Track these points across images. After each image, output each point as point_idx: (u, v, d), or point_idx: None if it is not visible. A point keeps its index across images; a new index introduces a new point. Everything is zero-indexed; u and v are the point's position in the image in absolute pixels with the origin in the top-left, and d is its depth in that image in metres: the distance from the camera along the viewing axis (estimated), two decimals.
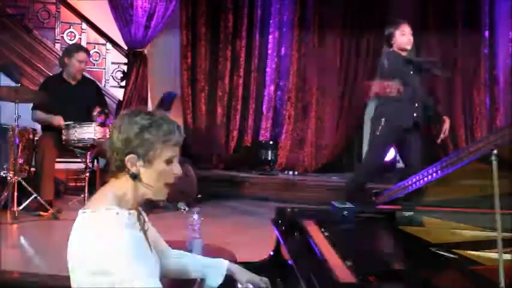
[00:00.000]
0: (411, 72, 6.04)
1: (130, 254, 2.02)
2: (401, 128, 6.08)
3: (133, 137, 2.15)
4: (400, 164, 9.29)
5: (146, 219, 2.34)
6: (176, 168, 2.25)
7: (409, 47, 6.11)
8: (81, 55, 6.97)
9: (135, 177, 2.18)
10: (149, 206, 2.12)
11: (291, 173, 9.38)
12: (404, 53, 6.10)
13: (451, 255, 2.32)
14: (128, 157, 2.16)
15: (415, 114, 6.06)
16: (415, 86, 6.03)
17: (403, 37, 6.08)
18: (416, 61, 6.13)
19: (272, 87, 9.79)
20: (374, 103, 6.47)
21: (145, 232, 2.26)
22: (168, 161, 2.21)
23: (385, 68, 6.08)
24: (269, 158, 9.33)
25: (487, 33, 9.26)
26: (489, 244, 2.46)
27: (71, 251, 2.10)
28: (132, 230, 2.10)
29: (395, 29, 6.10)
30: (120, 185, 2.20)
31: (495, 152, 1.91)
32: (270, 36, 9.76)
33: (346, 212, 2.84)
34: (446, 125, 6.15)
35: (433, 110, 6.32)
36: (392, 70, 6.03)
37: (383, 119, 6.13)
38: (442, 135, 6.20)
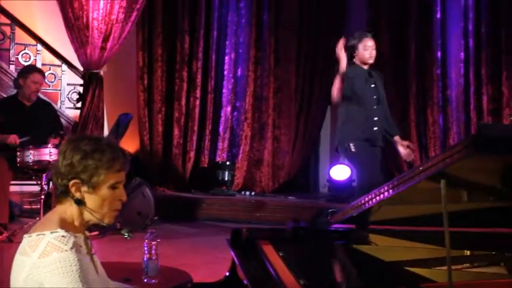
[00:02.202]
0: (372, 86, 6.07)
1: (76, 277, 2.02)
2: (369, 145, 6.05)
3: (76, 163, 2.16)
4: (356, 183, 9.42)
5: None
6: (121, 194, 2.26)
7: (371, 61, 6.11)
8: (36, 76, 6.92)
9: (79, 202, 2.19)
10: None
11: (248, 193, 9.40)
12: (366, 67, 6.10)
13: (404, 273, 2.36)
14: (71, 182, 2.17)
15: (375, 128, 6.03)
16: (374, 99, 6.05)
17: (366, 51, 6.07)
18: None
19: (229, 108, 9.82)
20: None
21: (91, 256, 2.26)
22: (113, 187, 2.22)
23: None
24: (226, 179, 9.33)
25: (439, 54, 9.45)
26: (441, 261, 2.51)
27: (14, 274, 2.10)
28: (78, 253, 2.09)
29: (359, 42, 6.08)
30: (65, 210, 2.21)
31: (444, 171, 1.96)
32: (226, 57, 9.82)
33: (301, 232, 2.86)
34: (402, 149, 6.14)
35: (389, 127, 6.24)
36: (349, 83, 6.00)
37: (351, 143, 6.06)
38: (406, 159, 6.28)
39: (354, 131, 6.03)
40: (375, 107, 6.05)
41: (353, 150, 6.08)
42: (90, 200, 2.20)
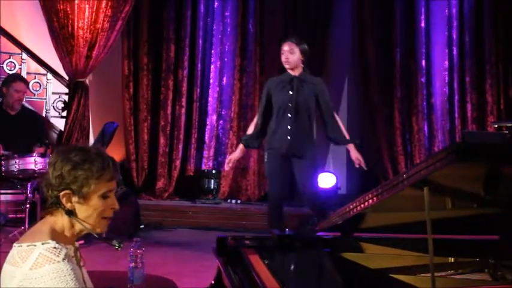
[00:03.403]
0: (290, 92, 5.87)
1: (72, 287, 2.01)
2: (279, 154, 5.87)
3: (66, 174, 2.16)
4: (342, 191, 9.45)
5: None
6: (113, 202, 2.26)
7: (286, 66, 5.94)
8: (19, 85, 6.90)
9: (70, 213, 2.19)
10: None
11: (234, 201, 9.39)
12: (293, 72, 5.93)
13: (389, 280, 2.37)
14: (62, 193, 2.17)
15: (288, 138, 5.82)
16: (289, 106, 5.85)
17: (282, 56, 5.94)
18: None
19: (214, 117, 9.82)
20: None
21: (81, 268, 2.26)
22: (104, 196, 2.22)
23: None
24: (212, 187, 9.31)
25: (423, 62, 9.51)
26: (425, 268, 2.53)
27: (3, 284, 2.09)
28: (70, 263, 2.09)
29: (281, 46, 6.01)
30: (56, 221, 2.20)
31: (427, 178, 1.97)
32: (212, 66, 9.82)
33: (287, 240, 2.87)
34: (353, 154, 6.01)
35: (337, 132, 6.02)
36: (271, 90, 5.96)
37: (265, 152, 6.05)
38: (356, 165, 6.07)
39: (268, 139, 5.99)
40: (289, 115, 5.84)
41: (265, 160, 6.10)
42: (82, 210, 2.20)
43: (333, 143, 6.26)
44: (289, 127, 5.81)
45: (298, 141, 5.83)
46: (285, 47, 5.91)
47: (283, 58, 5.92)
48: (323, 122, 6.06)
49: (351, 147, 6.06)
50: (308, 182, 5.93)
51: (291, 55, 5.88)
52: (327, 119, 6.01)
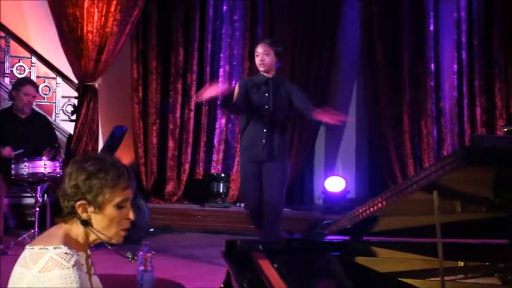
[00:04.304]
0: (266, 95, 5.70)
1: None
2: (253, 157, 5.70)
3: (81, 184, 2.16)
4: (351, 195, 9.44)
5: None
6: (129, 213, 2.26)
7: (261, 69, 5.72)
8: (28, 88, 6.92)
9: (85, 223, 2.19)
10: None
11: (243, 205, 9.39)
12: (267, 74, 5.74)
13: (398, 284, 2.37)
14: (78, 203, 2.17)
15: (263, 141, 5.64)
16: (266, 109, 5.68)
17: (256, 58, 5.75)
18: None
19: (223, 120, 9.83)
20: None
21: (90, 276, 2.26)
22: (119, 206, 2.22)
23: None
24: (221, 191, 9.32)
25: (432, 66, 9.50)
26: (435, 272, 2.52)
27: (12, 285, 2.10)
28: (79, 271, 2.09)
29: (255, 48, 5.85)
30: (71, 228, 2.21)
31: (436, 182, 1.97)
32: (221, 70, 9.83)
33: (296, 243, 2.87)
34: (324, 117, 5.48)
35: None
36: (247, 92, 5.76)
37: (241, 152, 5.89)
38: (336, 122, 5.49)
39: (243, 142, 5.83)
40: (265, 118, 5.66)
41: (241, 163, 6.03)
42: (97, 220, 2.21)
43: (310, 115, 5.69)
44: (264, 130, 5.65)
45: (272, 145, 5.66)
46: (260, 49, 5.71)
47: (257, 60, 5.70)
48: (305, 112, 5.75)
49: (318, 112, 5.59)
50: (275, 189, 5.68)
51: (266, 57, 5.69)
52: (308, 107, 5.69)
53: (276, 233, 5.46)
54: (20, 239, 6.49)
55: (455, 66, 9.43)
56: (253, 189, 5.75)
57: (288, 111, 5.85)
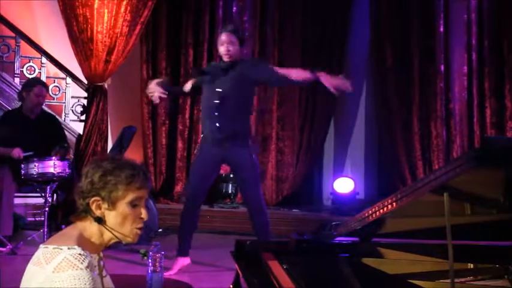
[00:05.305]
0: (222, 78, 5.57)
1: None
2: (210, 140, 5.64)
3: (96, 180, 2.19)
4: (360, 196, 9.42)
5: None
6: (142, 212, 2.27)
7: (226, 58, 5.57)
8: (39, 89, 6.94)
9: (99, 220, 2.20)
10: None
11: None
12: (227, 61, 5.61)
13: (408, 286, 2.36)
14: (92, 200, 2.19)
15: (217, 124, 5.53)
16: (217, 92, 5.54)
17: (221, 47, 5.55)
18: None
19: None
20: None
21: (102, 278, 2.27)
22: (133, 204, 2.23)
23: None
24: (230, 191, 9.33)
25: (442, 68, 9.47)
26: (444, 274, 2.52)
27: (25, 284, 2.11)
28: (92, 272, 2.10)
29: (218, 36, 5.72)
30: (85, 228, 2.22)
31: (447, 184, 1.96)
32: None
33: (305, 244, 2.87)
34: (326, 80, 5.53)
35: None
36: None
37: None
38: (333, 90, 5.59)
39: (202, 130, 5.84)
40: (217, 101, 5.51)
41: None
42: (111, 217, 2.22)
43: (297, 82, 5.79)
44: (216, 113, 5.54)
45: (228, 127, 5.55)
46: (223, 37, 5.54)
47: (223, 50, 5.54)
48: (271, 80, 5.75)
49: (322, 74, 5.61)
50: (249, 173, 5.74)
51: (231, 46, 5.53)
52: (274, 73, 5.58)
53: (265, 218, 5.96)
54: (29, 238, 6.51)
55: (465, 67, 9.40)
56: (196, 171, 5.87)
57: (249, 94, 5.77)
